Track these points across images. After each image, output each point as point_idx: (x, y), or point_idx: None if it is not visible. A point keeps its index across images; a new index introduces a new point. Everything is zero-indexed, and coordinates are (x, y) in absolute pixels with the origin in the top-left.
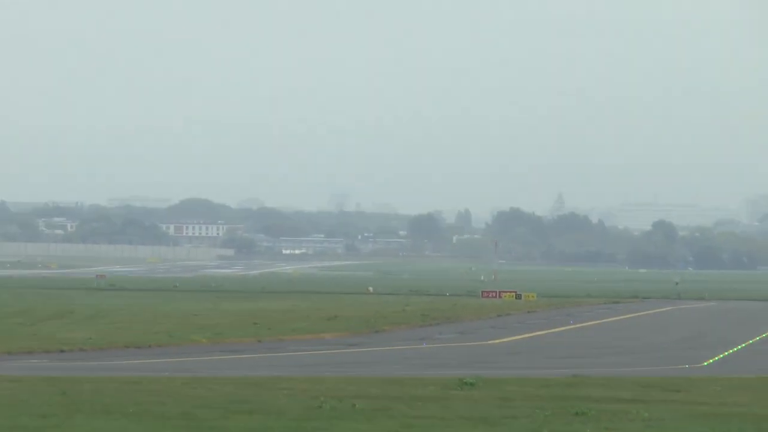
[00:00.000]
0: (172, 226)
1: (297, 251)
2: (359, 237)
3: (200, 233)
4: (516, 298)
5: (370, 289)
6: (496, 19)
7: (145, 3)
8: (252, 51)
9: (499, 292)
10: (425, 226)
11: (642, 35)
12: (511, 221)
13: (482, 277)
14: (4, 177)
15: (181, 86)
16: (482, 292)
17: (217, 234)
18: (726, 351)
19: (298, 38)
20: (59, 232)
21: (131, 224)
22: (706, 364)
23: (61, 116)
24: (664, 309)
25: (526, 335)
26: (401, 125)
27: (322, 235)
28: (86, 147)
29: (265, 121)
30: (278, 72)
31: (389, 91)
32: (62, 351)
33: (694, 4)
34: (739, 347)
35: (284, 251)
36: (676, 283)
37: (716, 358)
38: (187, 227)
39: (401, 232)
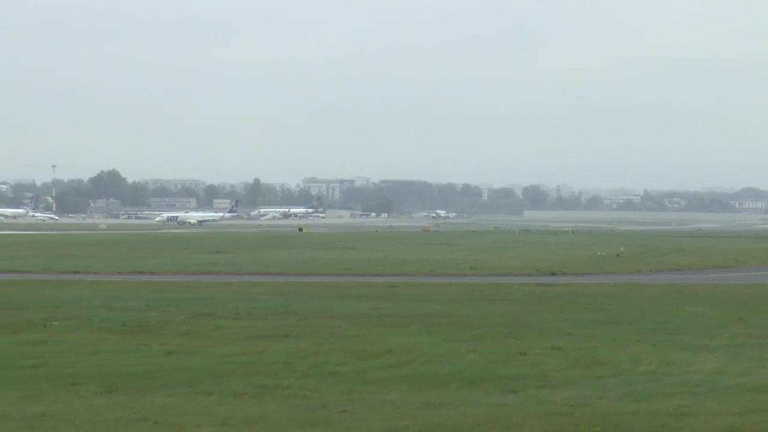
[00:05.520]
0: (737, 203)
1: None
2: None
3: (753, 206)
4: None
5: None
6: None
7: None
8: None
9: None
10: None
11: None
12: None
13: None
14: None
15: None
16: None
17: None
18: None
19: None
20: (679, 207)
21: (713, 202)
22: None
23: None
24: None
25: None
26: None
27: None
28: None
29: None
30: None
31: None
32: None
33: None
34: None
35: None
36: None
37: None
38: (742, 203)
39: None
